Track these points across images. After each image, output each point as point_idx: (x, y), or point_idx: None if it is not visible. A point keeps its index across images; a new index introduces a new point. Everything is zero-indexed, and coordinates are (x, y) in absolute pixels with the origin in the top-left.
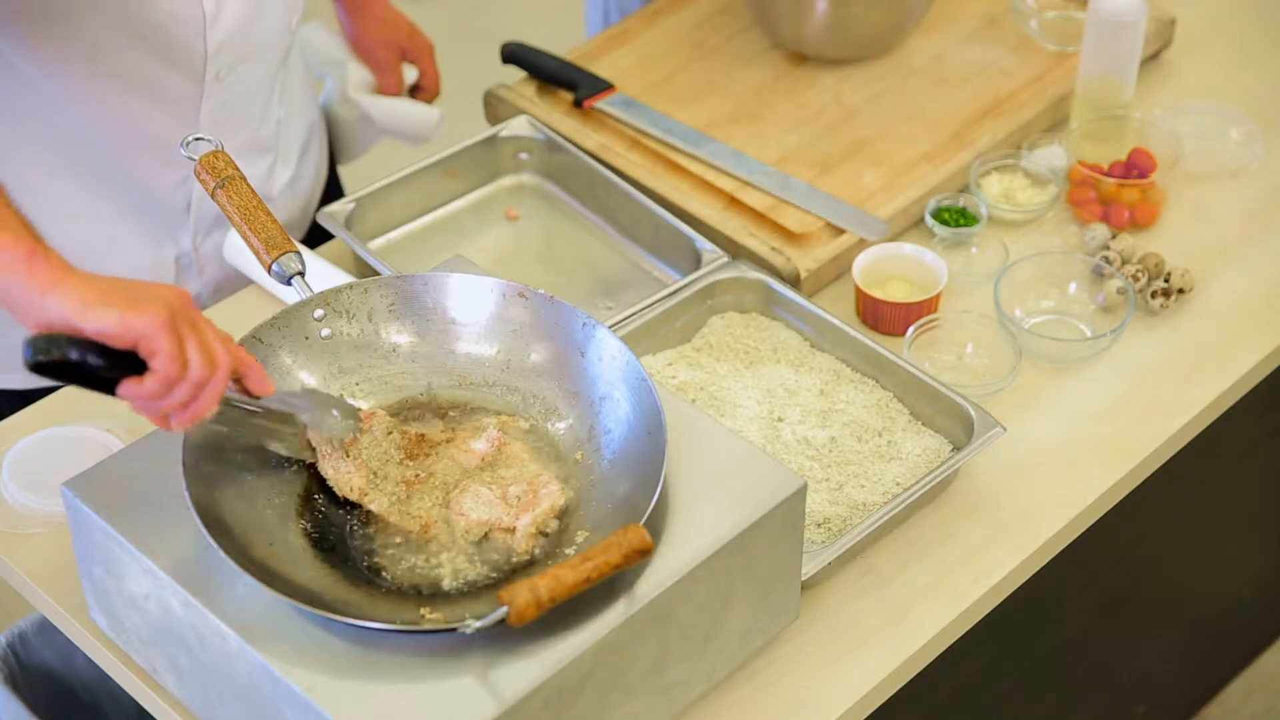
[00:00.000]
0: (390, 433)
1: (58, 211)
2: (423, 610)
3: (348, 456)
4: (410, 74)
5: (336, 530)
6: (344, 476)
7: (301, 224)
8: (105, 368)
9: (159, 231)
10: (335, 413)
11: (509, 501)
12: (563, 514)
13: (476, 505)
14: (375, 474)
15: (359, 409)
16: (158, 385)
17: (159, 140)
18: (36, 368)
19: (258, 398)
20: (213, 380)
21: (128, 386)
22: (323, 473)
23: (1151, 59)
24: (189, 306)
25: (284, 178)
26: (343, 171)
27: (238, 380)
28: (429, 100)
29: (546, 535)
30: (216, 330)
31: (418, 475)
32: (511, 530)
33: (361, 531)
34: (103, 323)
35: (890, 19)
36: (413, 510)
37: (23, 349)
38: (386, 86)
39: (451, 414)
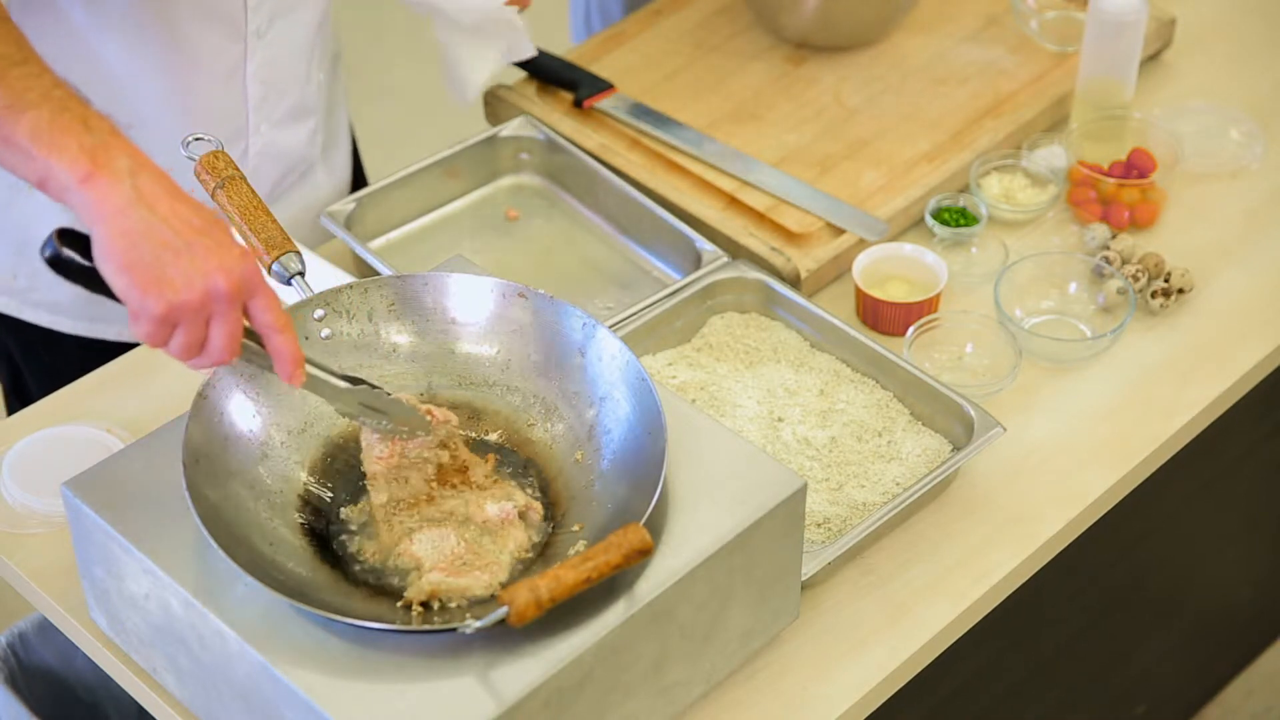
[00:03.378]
0: (444, 444)
1: None
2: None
3: (386, 440)
4: None
5: (336, 531)
6: (372, 454)
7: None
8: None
9: None
10: (386, 422)
11: (454, 564)
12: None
13: (427, 548)
14: (399, 474)
15: (428, 418)
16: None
17: (209, 112)
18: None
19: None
20: (194, 361)
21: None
22: (362, 438)
23: (1151, 59)
24: (222, 299)
25: (321, 141)
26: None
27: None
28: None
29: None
30: (272, 318)
31: (430, 497)
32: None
33: (360, 535)
34: (110, 279)
35: (883, 7)
36: (394, 524)
37: (48, 237)
38: None
39: (499, 455)
